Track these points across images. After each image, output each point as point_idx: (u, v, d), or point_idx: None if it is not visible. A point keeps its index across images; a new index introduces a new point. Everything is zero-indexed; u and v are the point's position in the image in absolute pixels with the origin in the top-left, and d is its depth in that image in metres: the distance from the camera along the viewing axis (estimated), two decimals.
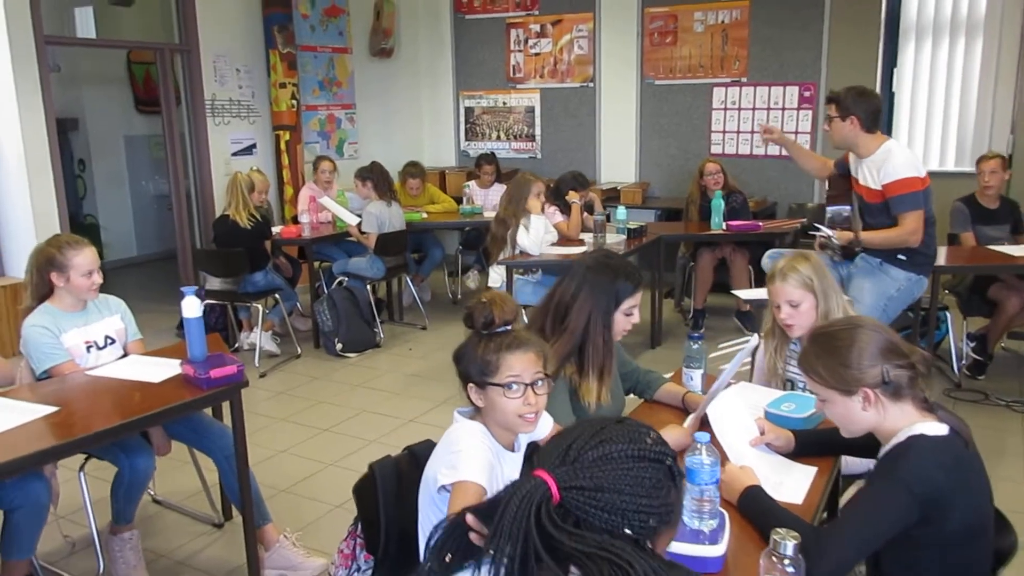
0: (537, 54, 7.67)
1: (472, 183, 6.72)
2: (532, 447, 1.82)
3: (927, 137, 6.22)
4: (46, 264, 2.84)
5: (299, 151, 6.99)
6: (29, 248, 5.33)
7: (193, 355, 2.67)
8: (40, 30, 5.31)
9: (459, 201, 6.76)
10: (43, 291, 2.90)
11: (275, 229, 5.59)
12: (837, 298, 2.45)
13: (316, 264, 6.11)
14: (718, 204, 5.45)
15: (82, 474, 2.83)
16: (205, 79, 6.39)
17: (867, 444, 1.90)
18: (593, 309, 2.18)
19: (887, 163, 3.52)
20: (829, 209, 3.86)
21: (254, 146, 6.89)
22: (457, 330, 6.08)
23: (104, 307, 3.02)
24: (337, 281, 5.68)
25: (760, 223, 5.53)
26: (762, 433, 2.02)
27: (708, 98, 6.96)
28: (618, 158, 7.40)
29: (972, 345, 4.77)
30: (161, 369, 2.74)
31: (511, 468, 1.74)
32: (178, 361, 2.74)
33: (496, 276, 4.94)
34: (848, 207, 3.79)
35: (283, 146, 6.88)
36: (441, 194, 6.77)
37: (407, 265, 6.09)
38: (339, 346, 5.39)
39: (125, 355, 3.03)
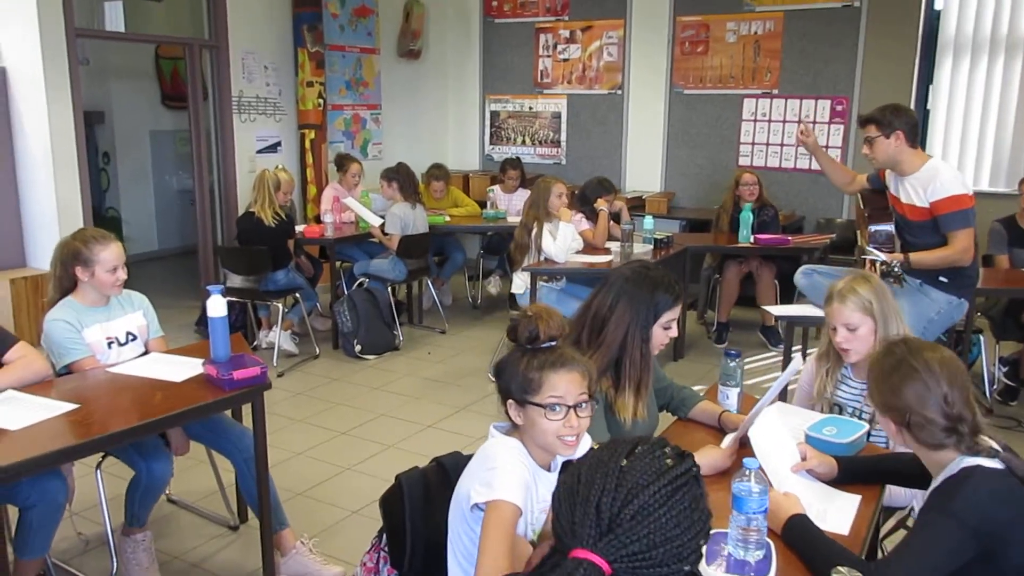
0: (566, 60, 7.61)
1: (496, 188, 6.67)
2: (565, 464, 1.75)
3: (961, 156, 6.11)
4: (71, 258, 2.80)
5: (324, 150, 6.96)
6: (52, 240, 5.36)
7: (216, 355, 2.62)
8: (71, 22, 5.31)
9: (483, 205, 6.71)
10: (67, 285, 2.86)
11: (298, 228, 5.55)
12: (898, 324, 2.36)
13: (337, 264, 6.09)
14: (747, 217, 5.36)
15: (99, 471, 2.79)
16: (233, 75, 6.37)
17: (913, 473, 1.82)
18: (631, 322, 2.11)
19: (935, 180, 3.42)
20: (872, 228, 3.75)
21: (279, 144, 6.87)
22: (477, 335, 6.05)
23: (127, 303, 2.98)
24: (358, 282, 5.64)
25: (789, 238, 5.44)
26: (804, 459, 1.94)
27: (738, 109, 6.88)
28: (644, 167, 7.32)
29: (1004, 370, 4.66)
30: (183, 368, 2.69)
31: (545, 488, 1.67)
32: (200, 361, 2.69)
33: (520, 282, 4.87)
34: (891, 226, 3.69)
35: (308, 145, 6.86)
36: (465, 197, 6.72)
37: (429, 268, 6.03)
38: (358, 348, 5.34)
39: (146, 352, 2.99)
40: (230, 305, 5.22)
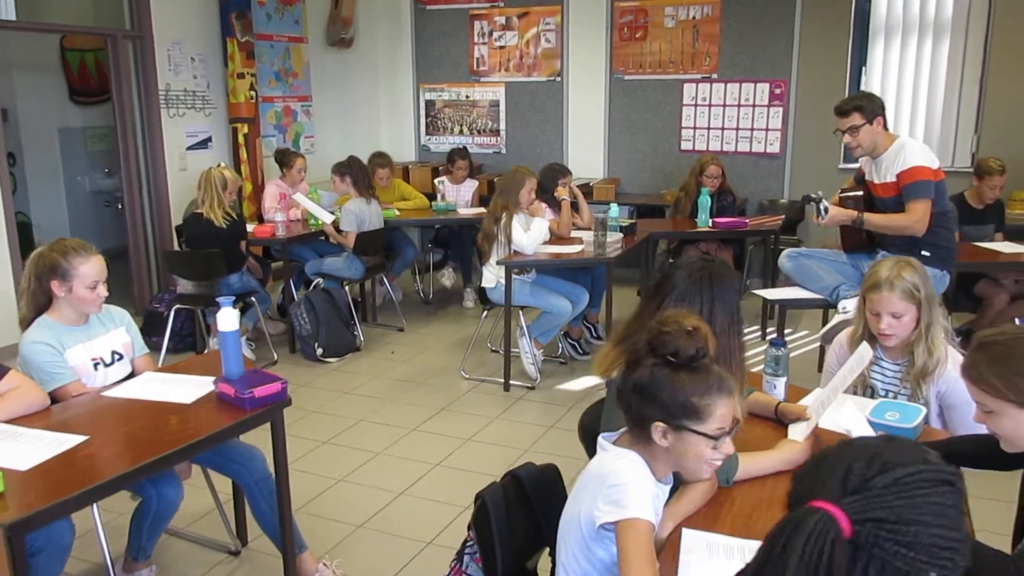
0: (502, 47, 7.50)
1: (444, 179, 6.51)
2: (678, 476, 1.67)
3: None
4: (48, 271, 2.54)
5: (258, 145, 6.64)
6: None
7: (229, 372, 2.43)
8: None
9: (430, 197, 6.54)
10: (40, 301, 2.60)
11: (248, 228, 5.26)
12: (937, 308, 2.39)
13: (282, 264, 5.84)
14: (705, 201, 5.41)
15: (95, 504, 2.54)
16: (159, 68, 5.98)
17: (991, 455, 1.83)
18: (730, 323, 2.01)
19: (901, 153, 3.53)
20: (842, 195, 3.84)
21: (209, 139, 6.51)
22: (435, 331, 5.91)
23: (107, 319, 2.73)
24: (314, 283, 5.41)
25: (747, 220, 5.52)
26: None
27: (679, 94, 6.94)
28: (586, 154, 7.30)
29: (958, 340, 4.86)
30: (190, 388, 2.48)
31: (660, 501, 1.59)
32: (209, 379, 2.49)
33: (491, 276, 4.76)
34: (859, 195, 3.77)
35: (241, 139, 6.52)
36: (412, 190, 6.54)
37: (384, 265, 5.84)
38: (319, 351, 5.13)
39: (133, 372, 2.75)
40: (178, 312, 4.97)
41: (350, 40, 7.46)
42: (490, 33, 7.51)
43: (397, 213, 6.07)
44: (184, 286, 4.90)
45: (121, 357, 2.72)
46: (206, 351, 5.22)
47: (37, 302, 2.60)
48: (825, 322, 4.42)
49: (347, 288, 5.44)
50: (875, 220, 3.61)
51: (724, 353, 2.02)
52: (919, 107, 6.24)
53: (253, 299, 5.05)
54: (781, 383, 2.34)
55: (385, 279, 6.06)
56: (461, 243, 6.53)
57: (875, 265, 2.51)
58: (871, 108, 3.53)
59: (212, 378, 2.52)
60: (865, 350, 2.19)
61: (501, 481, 1.90)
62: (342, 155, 7.43)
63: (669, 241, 6.00)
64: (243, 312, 5.14)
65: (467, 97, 7.75)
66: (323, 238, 5.75)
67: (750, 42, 6.61)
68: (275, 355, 5.19)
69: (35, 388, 2.36)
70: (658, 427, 1.52)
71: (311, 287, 5.51)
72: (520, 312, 4.75)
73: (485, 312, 4.98)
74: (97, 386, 2.62)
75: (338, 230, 5.42)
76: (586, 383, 4.77)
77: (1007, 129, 5.86)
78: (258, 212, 6.29)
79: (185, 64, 6.20)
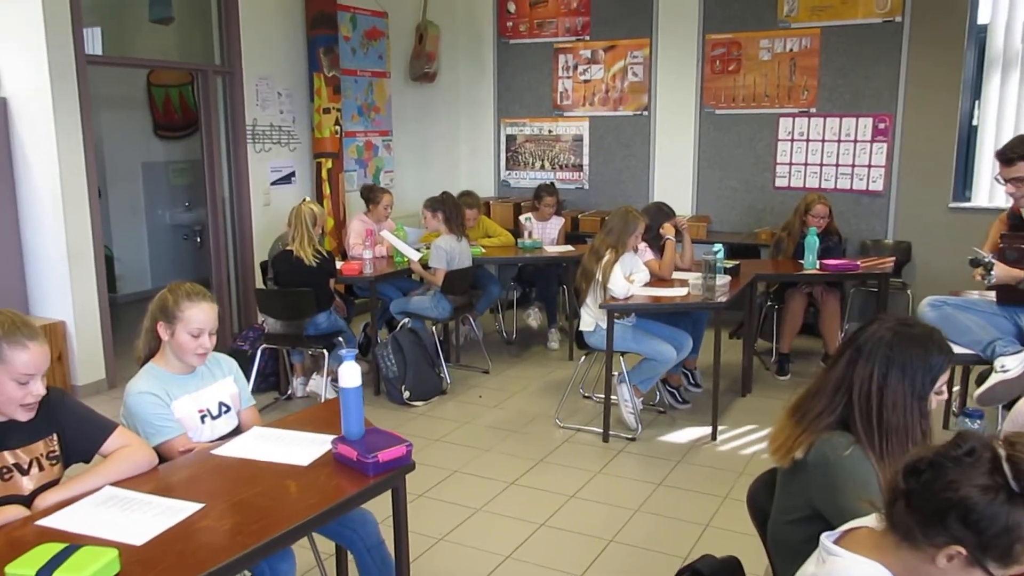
0: (587, 81, 7.33)
1: (531, 215, 6.31)
2: None
3: None
4: (158, 311, 2.41)
5: (341, 180, 6.55)
6: (59, 286, 4.91)
7: (349, 432, 2.22)
8: (82, 48, 4.86)
9: (512, 233, 6.35)
10: (153, 344, 2.45)
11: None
12: None
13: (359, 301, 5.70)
14: (812, 242, 5.09)
15: None
16: (247, 103, 5.94)
17: None
18: (908, 395, 1.74)
19: None
20: (1003, 245, 3.47)
21: (293, 174, 6.45)
22: (522, 374, 5.64)
23: (216, 368, 2.56)
24: (402, 323, 5.23)
25: (858, 263, 5.18)
26: None
27: (773, 129, 6.65)
28: (673, 190, 7.03)
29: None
30: (305, 448, 2.28)
31: None
32: (324, 436, 2.30)
33: (589, 319, 4.51)
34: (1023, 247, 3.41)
35: (324, 174, 6.44)
36: (496, 227, 6.35)
37: (473, 304, 5.64)
38: (406, 394, 4.93)
39: (239, 425, 2.57)
40: (265, 352, 4.84)
41: (433, 75, 7.38)
42: (575, 67, 7.35)
43: (483, 251, 5.88)
44: (272, 325, 4.77)
45: (228, 409, 2.54)
46: (289, 391, 5.09)
47: (149, 344, 2.47)
48: (971, 378, 4.06)
49: (434, 328, 5.25)
50: None
51: (898, 429, 1.74)
52: None
53: (340, 339, 4.89)
54: None
55: (470, 318, 5.86)
56: (546, 281, 6.31)
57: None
58: None
59: (328, 436, 2.32)
60: None
61: None
62: (421, 190, 7.35)
63: (768, 284, 5.67)
64: (329, 351, 4.98)
65: (549, 132, 7.58)
66: (410, 276, 5.59)
67: (852, 75, 6.30)
68: None
69: (144, 447, 2.19)
70: (955, 553, 1.23)
71: (395, 326, 5.34)
72: (621, 358, 4.48)
73: (583, 357, 4.72)
74: (204, 440, 2.45)
75: (425, 267, 5.26)
76: (690, 435, 4.47)
77: None
78: (340, 248, 6.18)
79: (272, 99, 6.16)
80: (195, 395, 2.47)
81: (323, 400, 4.76)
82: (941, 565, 1.23)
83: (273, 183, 6.27)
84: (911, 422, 1.72)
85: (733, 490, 3.78)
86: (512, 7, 7.54)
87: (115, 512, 1.92)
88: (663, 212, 4.94)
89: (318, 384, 4.90)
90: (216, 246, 5.94)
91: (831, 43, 6.33)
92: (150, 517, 1.89)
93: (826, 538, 1.38)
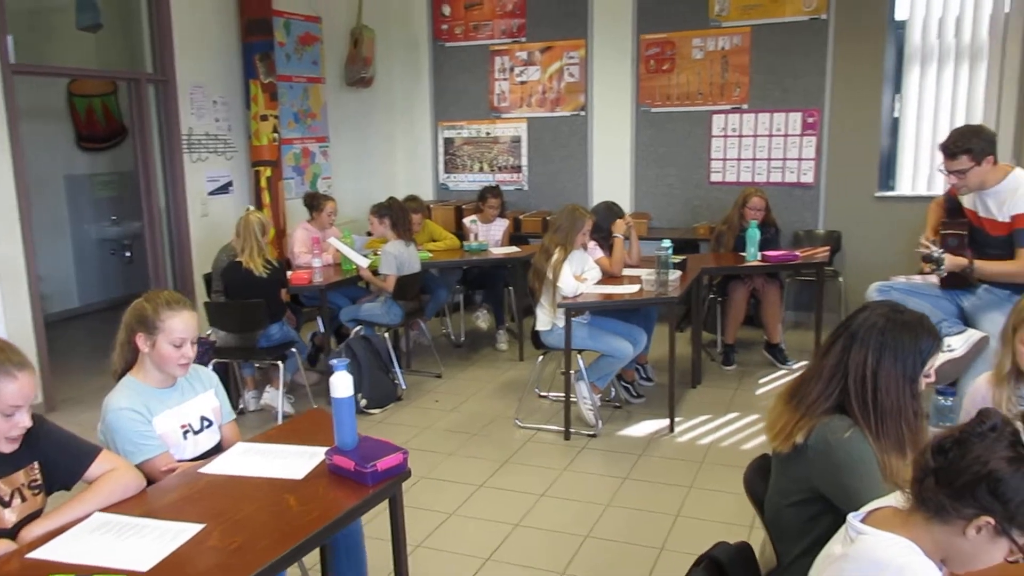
0: (524, 82, 7.38)
1: (475, 217, 6.33)
2: None
3: (932, 162, 6.25)
4: (136, 322, 2.33)
5: (281, 188, 6.44)
6: None
7: (343, 442, 2.20)
8: (6, 56, 4.64)
9: (459, 237, 6.35)
10: (129, 356, 2.38)
11: None
12: None
13: (308, 310, 5.62)
14: (753, 235, 5.26)
15: None
16: (181, 111, 5.77)
17: None
18: (901, 377, 1.83)
19: (1017, 193, 3.34)
20: (943, 233, 3.66)
21: (230, 183, 6.30)
22: (475, 376, 5.66)
23: (196, 381, 2.51)
24: (355, 330, 5.18)
25: (797, 253, 5.37)
26: None
27: (707, 125, 6.83)
28: (612, 188, 7.14)
29: None
30: (296, 460, 2.26)
31: None
32: (314, 449, 2.27)
33: (545, 318, 4.55)
34: (962, 234, 3.60)
35: (264, 183, 6.31)
36: (441, 230, 6.34)
37: (423, 309, 5.62)
38: (363, 402, 4.88)
39: (221, 440, 2.52)
40: (213, 367, 4.71)
41: (370, 79, 7.31)
42: (511, 68, 7.39)
43: (430, 255, 5.86)
44: (223, 338, 4.65)
45: (211, 424, 2.49)
46: (240, 406, 4.98)
47: (126, 357, 2.40)
48: None
49: (386, 334, 5.22)
50: (986, 269, 3.43)
51: (892, 411, 1.84)
52: None
53: (294, 350, 4.81)
54: None
55: (421, 323, 5.84)
56: (493, 283, 6.34)
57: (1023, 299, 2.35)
58: (981, 148, 3.32)
59: (318, 448, 2.30)
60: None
61: (703, 566, 1.68)
62: (359, 196, 7.30)
63: (711, 277, 5.83)
64: (282, 363, 4.89)
65: (487, 134, 7.61)
66: (358, 283, 5.54)
67: (781, 72, 6.53)
68: (315, 406, 4.93)
69: (131, 470, 2.12)
70: (984, 524, 1.31)
71: (343, 335, 5.28)
72: (579, 356, 4.54)
73: (540, 357, 4.76)
74: (186, 457, 2.39)
75: (375, 274, 5.21)
76: (648, 428, 4.56)
77: None
78: (282, 257, 6.07)
79: (207, 107, 6.01)
80: (176, 410, 2.41)
81: (279, 413, 4.68)
82: (971, 537, 1.31)
83: (210, 193, 6.12)
84: (904, 403, 1.81)
85: (697, 479, 3.88)
86: (447, 10, 7.54)
87: (111, 538, 1.86)
88: (613, 211, 5.03)
89: (272, 397, 4.80)
90: (154, 259, 5.76)
91: (761, 41, 6.55)
92: (149, 541, 1.84)
93: (853, 518, 1.45)
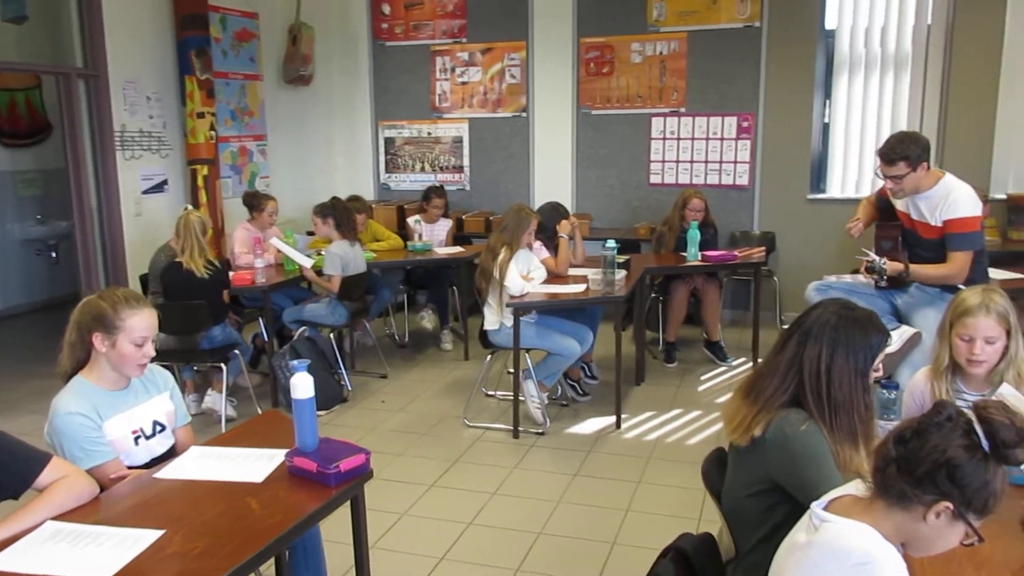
0: (465, 83, 7.39)
1: (419, 217, 6.30)
2: None
3: (860, 165, 6.50)
4: (92, 321, 2.26)
5: (218, 187, 6.30)
6: None
7: (304, 444, 2.19)
8: None
9: (402, 237, 6.32)
10: (80, 356, 2.30)
11: None
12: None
13: (250, 311, 5.51)
14: (694, 235, 5.39)
15: None
16: (114, 107, 5.60)
17: None
18: (853, 373, 1.91)
19: (949, 198, 3.50)
20: (878, 235, 3.82)
21: (165, 182, 6.13)
22: (421, 376, 5.68)
23: (151, 383, 2.45)
24: (299, 331, 5.11)
25: (736, 253, 5.52)
26: None
27: (647, 128, 6.96)
28: (553, 189, 7.19)
29: None
30: (254, 463, 2.23)
31: None
32: (272, 451, 2.25)
33: (493, 318, 4.57)
34: (896, 236, 3.77)
35: (201, 182, 6.17)
36: (384, 230, 6.29)
37: (367, 309, 5.58)
38: None
39: (175, 445, 2.46)
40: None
41: (309, 77, 7.21)
42: (453, 69, 7.39)
43: (374, 255, 5.82)
44: (164, 341, 4.52)
45: (163, 428, 2.43)
46: None
47: (76, 357, 2.31)
48: None
49: (331, 336, 5.16)
50: (920, 273, 3.59)
51: (845, 404, 1.92)
52: (883, 136, 6.37)
53: (237, 352, 4.72)
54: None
55: (366, 323, 5.79)
56: (438, 283, 6.33)
57: (961, 293, 2.47)
58: (917, 155, 3.47)
59: (276, 450, 2.28)
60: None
61: (669, 557, 1.72)
62: (298, 195, 7.21)
63: (653, 277, 5.94)
64: (225, 365, 4.79)
65: (429, 134, 7.59)
66: (301, 283, 5.46)
67: (717, 77, 6.69)
68: (259, 410, 4.85)
69: (84, 477, 2.06)
70: (943, 509, 1.38)
71: (285, 336, 5.21)
72: (527, 355, 4.57)
73: (488, 356, 4.78)
74: (139, 463, 2.33)
75: (319, 274, 5.15)
76: (595, 426, 4.62)
77: (969, 157, 6.06)
78: (221, 257, 5.93)
79: (141, 103, 5.84)
80: (128, 414, 2.35)
81: (222, 416, 4.59)
82: (931, 522, 1.39)
83: (145, 192, 5.94)
84: (856, 397, 1.90)
85: (645, 474, 3.96)
86: (387, 8, 7.48)
87: (66, 547, 1.81)
88: (558, 212, 5.08)
89: (214, 400, 4.70)
90: (85, 260, 5.56)
91: (697, 47, 6.70)
92: (107, 549, 1.79)
93: (816, 506, 1.51)
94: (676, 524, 3.39)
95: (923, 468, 1.38)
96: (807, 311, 2.02)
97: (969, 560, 1.71)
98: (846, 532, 1.42)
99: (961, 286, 3.53)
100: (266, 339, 5.23)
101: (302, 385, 2.18)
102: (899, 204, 3.75)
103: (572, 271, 5.03)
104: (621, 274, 4.64)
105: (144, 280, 5.16)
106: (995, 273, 4.61)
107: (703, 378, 5.47)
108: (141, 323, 2.27)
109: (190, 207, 5.07)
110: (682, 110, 6.84)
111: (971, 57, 6.05)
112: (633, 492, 3.77)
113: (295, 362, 2.22)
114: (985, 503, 1.37)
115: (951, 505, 1.37)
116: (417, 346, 6.36)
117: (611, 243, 4.68)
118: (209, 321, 4.43)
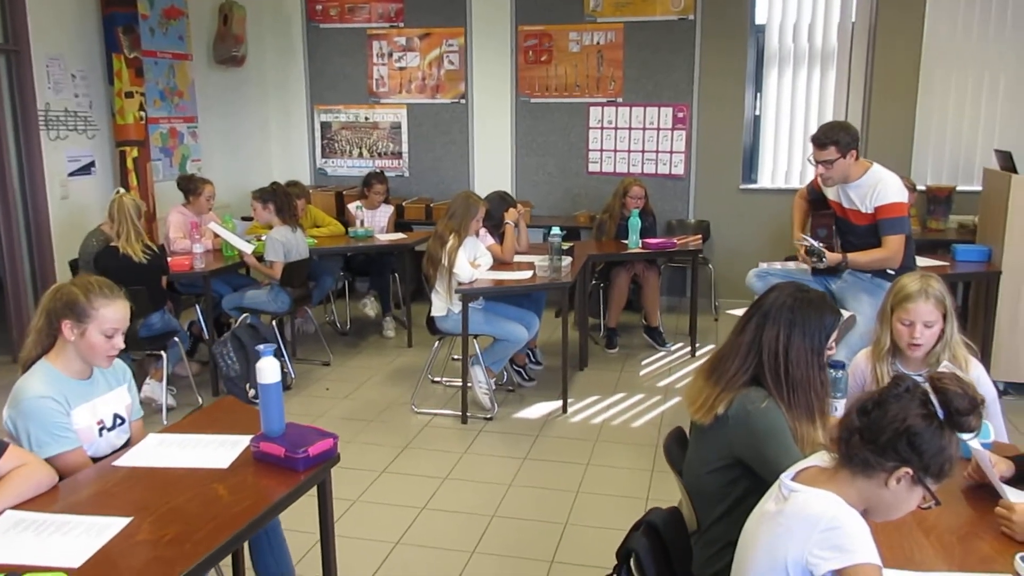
0: (403, 68, 7.33)
1: (360, 203, 6.24)
2: None
3: (789, 157, 6.73)
4: (63, 308, 2.19)
5: (149, 170, 6.10)
6: None
7: (271, 429, 2.17)
8: None
9: (342, 223, 6.25)
10: (46, 343, 2.23)
11: None
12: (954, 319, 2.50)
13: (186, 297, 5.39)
14: (635, 223, 5.49)
15: None
16: (37, 85, 5.36)
17: None
18: (810, 352, 2.01)
19: (878, 187, 3.68)
20: (812, 223, 3.99)
21: (93, 164, 5.90)
22: (365, 363, 5.67)
23: (112, 375, 2.38)
24: (241, 318, 5.01)
25: (675, 240, 5.65)
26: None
27: (585, 117, 7.04)
28: (493, 176, 7.24)
29: None
30: (217, 450, 2.20)
31: None
32: (235, 437, 2.22)
33: (440, 304, 4.58)
34: (830, 225, 3.94)
35: (130, 164, 5.96)
36: (325, 216, 6.21)
37: (310, 296, 5.50)
38: (251, 392, 4.73)
39: (130, 439, 2.40)
40: None
41: (242, 58, 7.04)
42: (390, 54, 7.32)
43: (314, 241, 5.74)
44: None
45: (123, 421, 2.37)
46: None
47: (43, 344, 2.24)
48: None
49: (274, 323, 5.08)
50: (858, 260, 3.78)
51: (803, 382, 2.02)
52: (810, 129, 6.64)
53: (176, 339, 4.60)
54: (842, 404, 2.37)
55: (307, 310, 5.72)
56: (380, 270, 6.28)
57: (901, 279, 2.60)
58: (847, 142, 3.65)
59: (238, 436, 2.25)
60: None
61: (641, 530, 1.78)
62: (231, 179, 7.05)
63: (595, 264, 6.03)
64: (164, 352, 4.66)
65: (366, 119, 7.50)
66: (240, 270, 5.36)
67: (653, 67, 6.81)
68: (200, 399, 4.75)
69: (42, 465, 2.00)
70: (903, 474, 1.48)
71: (222, 324, 5.11)
72: (475, 341, 4.60)
73: (436, 342, 4.79)
74: (100, 454, 2.27)
75: (260, 260, 5.06)
76: (542, 410, 4.69)
77: (891, 149, 6.34)
78: (155, 242, 5.76)
79: (66, 81, 5.60)
80: (92, 404, 2.28)
81: (162, 406, 4.47)
82: (892, 487, 1.49)
83: (71, 174, 5.71)
84: (813, 375, 2.00)
85: (593, 456, 4.04)
86: None
87: (29, 537, 1.76)
88: (505, 200, 5.11)
89: (153, 389, 4.57)
90: (8, 244, 5.32)
91: (633, 37, 6.80)
92: (74, 538, 1.75)
93: (785, 477, 1.59)
94: (625, 504, 3.49)
95: (885, 436, 1.47)
96: (764, 294, 2.11)
97: (919, 526, 1.82)
98: (813, 501, 1.51)
99: (891, 271, 3.74)
100: (203, 327, 5.12)
101: (269, 369, 2.16)
102: (830, 194, 3.91)
103: (517, 258, 5.07)
104: (567, 260, 4.70)
105: (74, 265, 4.97)
106: (917, 260, 4.87)
107: (644, 363, 5.60)
108: (114, 314, 2.20)
109: (123, 190, 4.91)
110: (619, 99, 6.94)
111: (893, 54, 6.33)
112: (582, 474, 3.85)
113: (261, 346, 2.20)
114: (941, 468, 1.48)
115: (911, 471, 1.47)
116: (359, 333, 6.32)
117: (556, 230, 4.74)
118: (149, 308, 4.31)
